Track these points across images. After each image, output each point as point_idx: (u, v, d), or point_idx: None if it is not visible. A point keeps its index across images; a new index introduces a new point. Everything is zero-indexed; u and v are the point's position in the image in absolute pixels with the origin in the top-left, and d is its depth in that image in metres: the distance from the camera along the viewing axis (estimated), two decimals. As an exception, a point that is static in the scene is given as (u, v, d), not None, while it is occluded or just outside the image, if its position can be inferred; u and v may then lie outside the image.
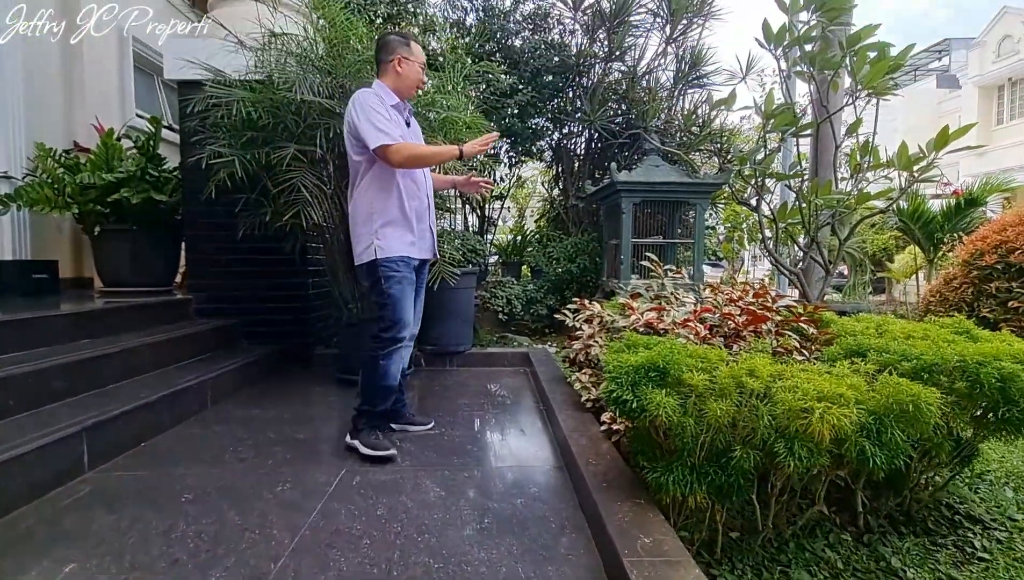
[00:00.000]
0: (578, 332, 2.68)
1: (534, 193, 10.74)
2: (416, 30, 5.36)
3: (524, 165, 7.61)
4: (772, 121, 4.49)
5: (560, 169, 7.02)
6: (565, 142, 6.74)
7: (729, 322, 2.02)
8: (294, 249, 3.59)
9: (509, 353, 4.12)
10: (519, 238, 7.71)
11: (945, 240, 6.12)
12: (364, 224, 2.29)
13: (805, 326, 1.93)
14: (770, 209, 4.96)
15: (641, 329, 2.21)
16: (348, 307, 3.44)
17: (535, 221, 8.36)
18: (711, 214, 6.53)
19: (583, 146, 6.69)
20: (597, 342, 2.41)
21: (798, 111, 4.76)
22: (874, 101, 4.41)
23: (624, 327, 2.26)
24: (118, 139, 4.20)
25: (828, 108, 4.63)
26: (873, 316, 2.42)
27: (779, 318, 1.94)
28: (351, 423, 2.38)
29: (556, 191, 7.30)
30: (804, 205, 4.55)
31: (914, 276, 8.30)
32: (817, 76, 4.65)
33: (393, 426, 2.61)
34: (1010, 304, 3.51)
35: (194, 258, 3.85)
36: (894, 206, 5.45)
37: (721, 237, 7.35)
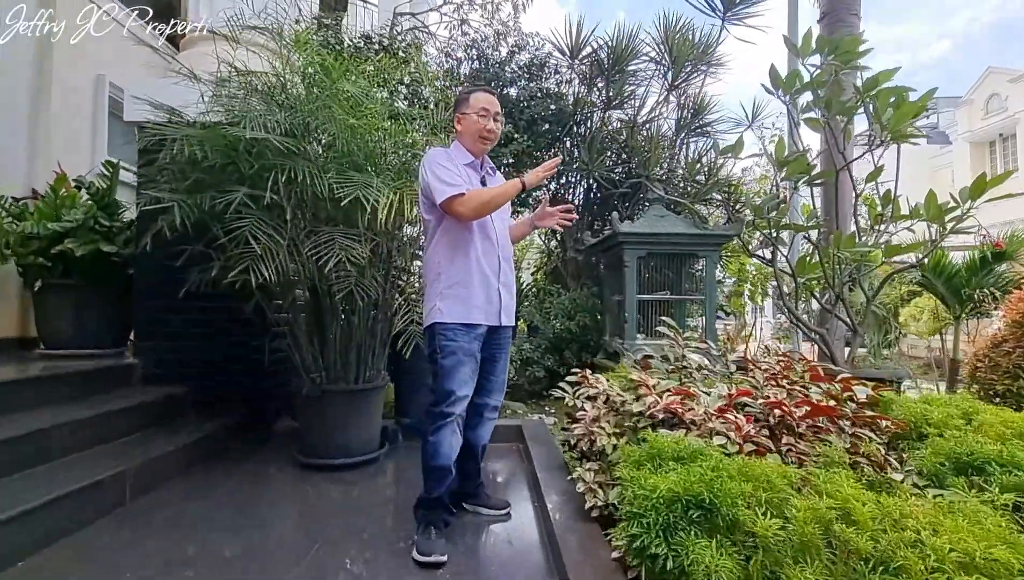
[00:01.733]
0: (580, 412, 2.19)
1: (531, 245, 10.46)
2: (408, 78, 5.16)
3: (519, 216, 7.32)
4: (785, 169, 4.16)
5: (558, 220, 6.71)
6: (563, 192, 6.45)
7: (776, 411, 1.55)
8: (252, 308, 3.16)
9: (500, 426, 3.57)
10: (515, 292, 7.30)
11: (974, 296, 5.71)
12: (431, 285, 2.14)
13: (880, 421, 1.45)
14: (788, 262, 4.57)
15: (660, 414, 1.73)
16: (311, 377, 2.95)
17: (532, 274, 7.99)
18: (719, 267, 6.14)
19: (582, 196, 6.40)
20: (603, 429, 1.92)
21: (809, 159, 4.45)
22: (887, 149, 4.11)
23: (640, 414, 1.78)
24: (77, 187, 3.86)
25: (845, 155, 4.32)
26: (945, 396, 1.94)
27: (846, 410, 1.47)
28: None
29: (553, 243, 6.97)
30: (825, 259, 4.16)
31: (928, 335, 7.83)
32: (831, 122, 4.36)
33: (465, 506, 2.38)
34: (1079, 372, 3.03)
35: (142, 317, 3.41)
36: (913, 260, 5.00)
37: (727, 290, 6.92)
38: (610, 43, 5.56)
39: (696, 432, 1.52)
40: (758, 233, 4.75)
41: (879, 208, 4.26)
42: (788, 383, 1.77)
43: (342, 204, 2.35)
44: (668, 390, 1.89)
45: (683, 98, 5.68)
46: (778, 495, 1.00)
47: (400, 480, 2.84)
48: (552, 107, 5.77)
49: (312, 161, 2.44)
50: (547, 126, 5.81)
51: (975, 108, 22.01)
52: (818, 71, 4.15)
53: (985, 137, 21.90)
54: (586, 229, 6.21)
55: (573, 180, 6.27)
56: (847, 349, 4.57)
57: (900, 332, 6.13)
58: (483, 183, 2.26)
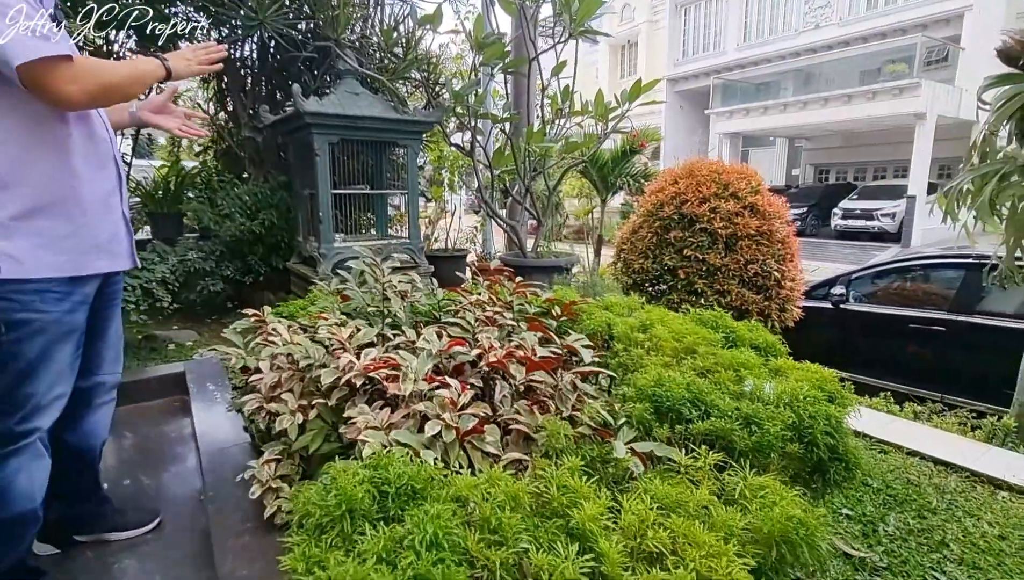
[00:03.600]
0: (255, 376, 1.63)
1: (194, 110, 8.13)
2: None
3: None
4: (484, 52, 3.92)
5: (224, 85, 5.18)
6: (228, 48, 4.90)
7: (488, 357, 1.33)
8: None
9: (152, 377, 2.69)
10: (173, 181, 5.57)
11: (616, 182, 6.97)
12: None
13: (596, 374, 1.38)
14: (485, 152, 4.55)
15: (358, 380, 1.34)
16: None
17: (197, 155, 6.24)
18: (421, 155, 5.86)
19: (255, 55, 5.01)
20: (287, 403, 1.44)
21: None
22: (566, 45, 4.28)
23: (333, 387, 1.34)
24: None
25: (535, 44, 4.31)
26: (620, 299, 2.11)
27: (562, 353, 1.35)
28: None
29: (223, 115, 5.44)
30: (516, 151, 4.25)
31: (583, 215, 9.62)
32: (523, 6, 4.24)
33: (80, 538, 1.57)
34: (685, 252, 3.91)
35: None
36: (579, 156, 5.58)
37: (428, 176, 6.80)
38: None
39: (403, 411, 1.20)
40: (455, 118, 4.54)
41: (560, 102, 4.51)
42: (499, 314, 1.59)
43: None
44: (371, 343, 1.50)
45: (374, -57, 4.73)
46: (515, 551, 0.74)
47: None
48: (191, -87, 4.07)
49: None
50: (187, -57, 4.12)
51: (615, 15, 26.18)
52: (514, -57, 3.87)
53: (619, 41, 26.52)
54: (266, 101, 4.96)
55: (242, 32, 4.78)
56: (531, 237, 4.97)
57: (567, 216, 7.17)
58: (56, 22, 1.28)
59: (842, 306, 5.19)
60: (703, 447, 1.05)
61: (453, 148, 4.74)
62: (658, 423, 1.16)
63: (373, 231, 4.78)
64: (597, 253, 6.76)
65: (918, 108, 12.79)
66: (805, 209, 16.35)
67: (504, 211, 5.32)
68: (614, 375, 1.33)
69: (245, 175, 5.10)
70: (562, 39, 3.86)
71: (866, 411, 2.40)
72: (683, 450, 1.09)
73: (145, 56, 1.41)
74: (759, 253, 3.81)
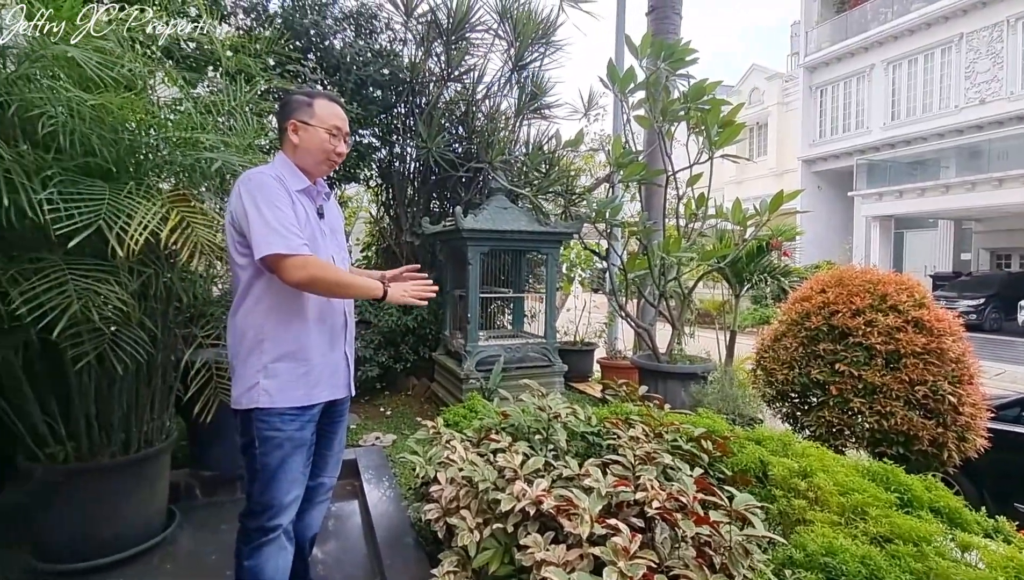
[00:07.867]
0: (435, 487, 1.88)
1: (359, 211, 9.53)
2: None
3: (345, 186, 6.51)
4: (624, 172, 4.24)
5: (391, 194, 6.10)
6: (396, 163, 5.83)
7: (653, 502, 1.43)
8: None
9: (332, 462, 3.11)
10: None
11: (752, 278, 6.76)
12: (248, 355, 1.60)
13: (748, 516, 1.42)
14: (620, 257, 4.77)
15: (532, 509, 1.51)
16: (47, 451, 2.11)
17: (361, 251, 7.26)
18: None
19: (419, 171, 5.88)
20: (466, 520, 1.65)
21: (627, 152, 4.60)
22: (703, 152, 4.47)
23: (509, 512, 1.53)
24: None
25: (671, 159, 4.56)
26: (775, 435, 2.08)
27: (731, 518, 1.40)
28: None
29: (386, 220, 6.35)
30: (652, 258, 4.41)
31: (715, 309, 9.32)
32: (658, 124, 4.55)
33: None
34: (837, 366, 3.66)
35: None
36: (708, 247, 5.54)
37: (560, 274, 7.17)
38: (448, 3, 5.02)
39: (578, 551, 1.34)
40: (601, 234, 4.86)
41: (693, 207, 4.65)
42: (656, 453, 1.69)
43: (62, 234, 1.60)
44: (537, 470, 1.68)
45: (523, 77, 5.45)
46: None
47: (196, 567, 2.23)
48: (385, 70, 5.07)
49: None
50: (379, 92, 5.11)
51: (742, 98, 26.20)
52: (651, 74, 4.24)
53: (748, 123, 26.28)
54: (423, 208, 5.75)
55: (409, 152, 5.70)
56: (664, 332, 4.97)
57: (696, 310, 7.04)
58: (320, 215, 1.74)
59: (1043, 433, 4.38)
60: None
61: (588, 251, 5.03)
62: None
63: (510, 327, 5.14)
64: (730, 352, 6.48)
65: (1126, 189, 10.84)
66: (982, 300, 14.14)
67: (632, 305, 5.42)
68: (783, 542, 1.34)
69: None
70: (699, 159, 4.06)
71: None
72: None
73: (372, 274, 1.79)
74: (928, 373, 3.44)
